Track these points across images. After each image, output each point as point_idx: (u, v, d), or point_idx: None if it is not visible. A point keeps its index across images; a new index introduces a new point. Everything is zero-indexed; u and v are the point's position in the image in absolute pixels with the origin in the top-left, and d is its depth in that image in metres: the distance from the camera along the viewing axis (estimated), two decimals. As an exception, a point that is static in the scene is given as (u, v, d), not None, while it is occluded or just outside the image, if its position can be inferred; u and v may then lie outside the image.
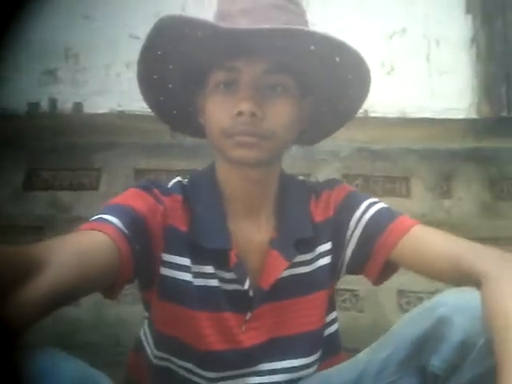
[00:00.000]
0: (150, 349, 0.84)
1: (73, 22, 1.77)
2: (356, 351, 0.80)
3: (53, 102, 1.70)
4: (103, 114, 1.68)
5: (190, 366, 0.80)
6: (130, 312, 1.55)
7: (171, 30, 0.72)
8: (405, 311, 1.51)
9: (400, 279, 1.43)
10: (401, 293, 1.51)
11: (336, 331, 0.89)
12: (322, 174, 1.51)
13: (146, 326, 0.88)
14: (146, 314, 0.88)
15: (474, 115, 1.71)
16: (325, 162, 1.57)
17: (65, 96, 1.73)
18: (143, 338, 0.88)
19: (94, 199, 1.60)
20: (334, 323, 0.88)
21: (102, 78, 1.72)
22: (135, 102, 1.68)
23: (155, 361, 0.83)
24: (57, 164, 1.63)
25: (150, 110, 1.67)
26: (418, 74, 1.73)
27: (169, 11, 1.78)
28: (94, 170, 1.62)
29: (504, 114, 1.67)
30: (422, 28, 1.80)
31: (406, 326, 0.70)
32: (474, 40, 1.80)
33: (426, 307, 0.69)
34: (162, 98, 0.85)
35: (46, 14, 1.61)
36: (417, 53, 1.76)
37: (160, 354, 0.82)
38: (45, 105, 1.69)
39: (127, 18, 1.76)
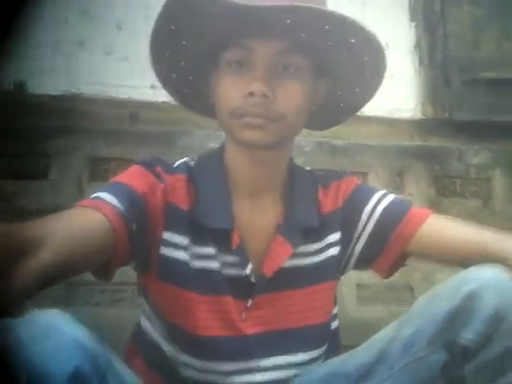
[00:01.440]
0: (171, 352, 0.79)
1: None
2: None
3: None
4: (52, 96, 1.54)
5: (189, 359, 0.77)
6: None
7: (184, 4, 0.70)
8: (363, 304, 1.58)
9: (359, 274, 1.51)
10: (359, 286, 1.58)
11: (337, 327, 0.88)
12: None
13: (154, 320, 0.82)
14: (144, 303, 0.84)
15: (420, 116, 1.84)
16: (290, 155, 1.59)
17: (3, 72, 1.55)
18: (153, 335, 0.82)
19: (43, 189, 1.46)
20: (335, 318, 0.88)
21: (50, 57, 1.57)
22: (90, 85, 1.58)
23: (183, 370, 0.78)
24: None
25: (106, 94, 1.59)
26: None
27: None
28: (43, 157, 1.47)
29: (446, 116, 1.81)
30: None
31: (433, 303, 0.71)
32: (417, 47, 1.94)
33: (452, 284, 0.70)
34: (174, 76, 0.82)
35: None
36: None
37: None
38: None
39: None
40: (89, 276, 1.29)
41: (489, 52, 1.90)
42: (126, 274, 1.31)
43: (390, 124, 1.80)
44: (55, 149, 1.48)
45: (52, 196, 1.44)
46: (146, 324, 0.83)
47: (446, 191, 1.74)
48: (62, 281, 0.56)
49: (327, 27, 0.69)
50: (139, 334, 0.84)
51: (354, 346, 0.88)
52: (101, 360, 0.56)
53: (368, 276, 1.54)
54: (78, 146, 1.49)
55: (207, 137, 1.57)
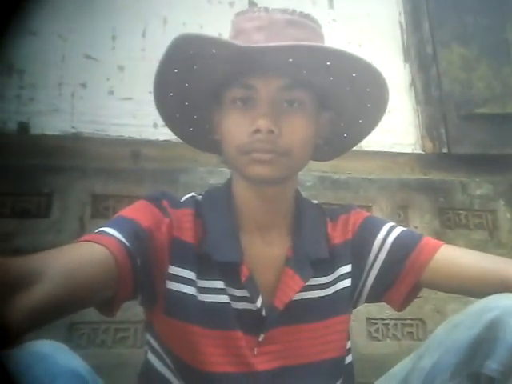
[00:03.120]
0: None
1: (16, 37, 1.64)
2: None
3: (-7, 120, 1.53)
4: (55, 136, 1.54)
5: None
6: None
7: (187, 47, 0.71)
8: (373, 338, 1.53)
9: (368, 308, 1.47)
10: (369, 320, 1.53)
11: (351, 362, 0.85)
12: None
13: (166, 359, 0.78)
14: (151, 340, 0.80)
15: (419, 150, 1.86)
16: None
17: (7, 114, 1.57)
18: (162, 370, 0.78)
19: (43, 227, 1.43)
20: (349, 353, 0.85)
21: (54, 97, 1.59)
22: (91, 124, 1.59)
23: None
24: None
25: (107, 133, 1.60)
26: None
27: (126, 35, 1.75)
28: (43, 195, 1.46)
29: (445, 150, 1.83)
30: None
31: (453, 332, 0.68)
32: (412, 85, 1.99)
33: (472, 312, 0.68)
34: (177, 116, 0.83)
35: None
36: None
37: None
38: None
39: (81, 37, 1.68)
40: (91, 315, 1.24)
41: (480, 90, 1.96)
42: (129, 312, 1.29)
43: (391, 158, 1.82)
44: (57, 187, 1.46)
45: (53, 235, 1.41)
46: (153, 360, 0.80)
47: (451, 223, 1.72)
48: (62, 316, 0.54)
49: (328, 63, 0.71)
50: (147, 371, 0.81)
51: (365, 383, 0.83)
52: None
53: (378, 310, 1.49)
54: (80, 184, 1.48)
55: (208, 173, 1.57)
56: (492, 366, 0.62)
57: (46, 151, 1.50)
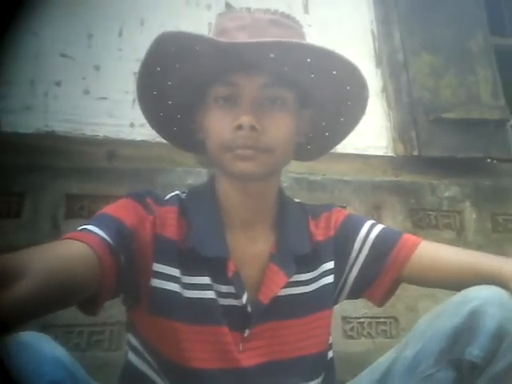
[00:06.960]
0: None
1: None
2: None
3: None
4: (28, 134, 1.51)
5: None
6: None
7: (169, 45, 0.72)
8: (348, 337, 1.55)
9: (343, 306, 1.49)
10: (344, 319, 1.55)
11: (332, 357, 0.86)
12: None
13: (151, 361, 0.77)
14: (132, 340, 0.80)
15: (391, 153, 1.91)
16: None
17: (-23, 112, 1.52)
18: (144, 370, 0.78)
19: (13, 227, 1.39)
20: (331, 348, 0.86)
21: (27, 95, 1.55)
22: (66, 123, 1.56)
23: None
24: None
25: (82, 132, 1.57)
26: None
27: (102, 33, 1.73)
28: (14, 195, 1.42)
29: (415, 153, 1.90)
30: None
31: (435, 321, 0.71)
32: (383, 90, 2.05)
33: (454, 302, 0.71)
34: (161, 114, 0.83)
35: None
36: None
37: None
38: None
39: (56, 35, 1.65)
40: (65, 318, 1.22)
41: (447, 96, 2.04)
42: (104, 313, 1.26)
43: (364, 161, 1.86)
44: (29, 187, 1.43)
45: (24, 235, 1.37)
46: (135, 360, 0.79)
47: (422, 223, 1.78)
48: (44, 314, 0.54)
49: (309, 60, 0.72)
50: (129, 372, 0.80)
51: (340, 380, 0.85)
52: (79, 375, 0.58)
53: (353, 309, 1.52)
54: (54, 183, 1.45)
55: (186, 173, 1.57)
56: (473, 352, 0.66)
57: (17, 149, 1.46)
